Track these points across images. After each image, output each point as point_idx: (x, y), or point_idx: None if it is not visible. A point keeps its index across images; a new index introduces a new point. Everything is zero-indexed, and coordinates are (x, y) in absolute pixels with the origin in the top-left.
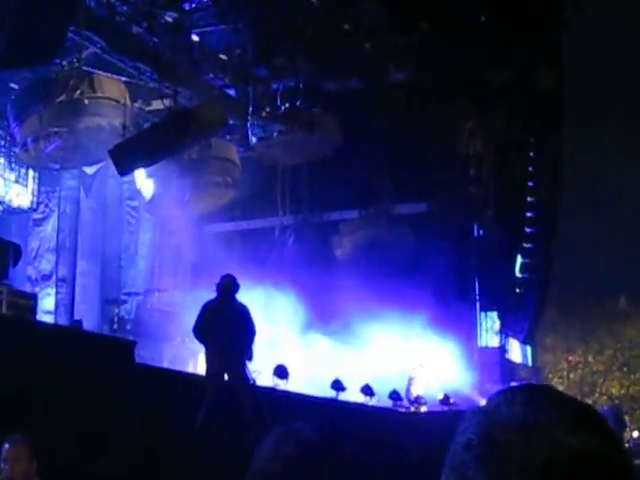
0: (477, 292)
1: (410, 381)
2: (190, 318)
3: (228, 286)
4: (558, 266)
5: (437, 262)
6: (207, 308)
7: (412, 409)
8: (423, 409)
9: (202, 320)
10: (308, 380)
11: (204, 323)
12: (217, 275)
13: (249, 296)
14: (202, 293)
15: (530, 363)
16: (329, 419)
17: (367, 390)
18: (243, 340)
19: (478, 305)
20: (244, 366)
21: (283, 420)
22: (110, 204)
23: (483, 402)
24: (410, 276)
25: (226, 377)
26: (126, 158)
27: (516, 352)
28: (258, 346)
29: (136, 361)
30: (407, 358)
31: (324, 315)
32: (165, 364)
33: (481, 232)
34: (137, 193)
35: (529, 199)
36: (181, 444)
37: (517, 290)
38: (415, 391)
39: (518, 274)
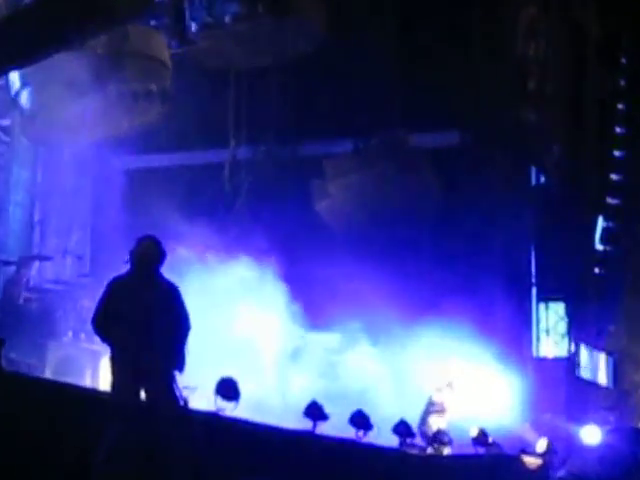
0: (534, 273)
1: (429, 408)
2: (90, 302)
3: (148, 255)
4: None
5: (474, 225)
6: (114, 288)
7: (429, 450)
8: (446, 450)
9: (106, 307)
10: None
11: (110, 311)
12: (132, 237)
13: (183, 272)
14: (109, 265)
15: (612, 385)
16: (297, 463)
17: (359, 420)
18: (170, 338)
19: (535, 292)
20: (171, 379)
21: (228, 464)
22: None
23: (541, 444)
24: (432, 246)
25: (142, 395)
26: None
27: (592, 366)
28: (195, 348)
29: (3, 368)
30: (426, 373)
31: (304, 307)
32: (48, 373)
33: (542, 179)
34: (9, 106)
35: (618, 130)
36: None
37: (596, 270)
38: (435, 423)
39: (598, 246)
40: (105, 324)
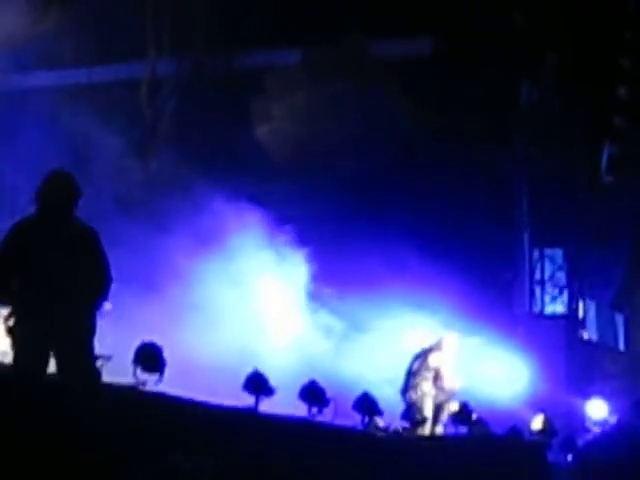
0: (526, 213)
1: (420, 371)
2: None
3: (60, 193)
4: None
5: (451, 155)
6: (18, 235)
7: (404, 430)
8: (423, 430)
9: (9, 258)
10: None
11: (13, 263)
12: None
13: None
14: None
15: (623, 347)
16: (233, 443)
17: (311, 393)
18: (89, 293)
19: (527, 238)
20: (90, 343)
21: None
22: None
23: (537, 421)
24: (398, 183)
25: (52, 368)
26: None
27: (599, 325)
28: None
29: None
30: (404, 337)
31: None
32: None
33: (535, 95)
34: None
35: (627, 34)
36: None
37: (602, 210)
38: (430, 394)
39: (605, 176)
40: (5, 278)
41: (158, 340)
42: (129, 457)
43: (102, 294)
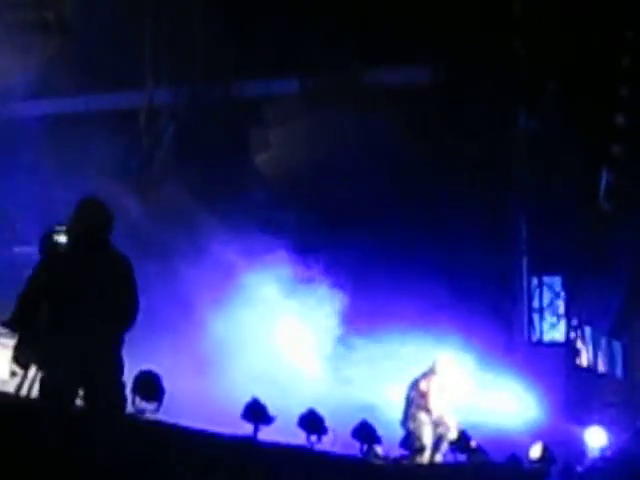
0: (525, 239)
1: (416, 400)
2: None
3: (96, 220)
4: None
5: (449, 180)
6: (54, 261)
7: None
8: (423, 458)
9: (39, 286)
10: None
11: (43, 291)
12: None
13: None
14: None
15: (622, 375)
16: (234, 473)
17: (311, 422)
18: (119, 326)
19: (525, 265)
20: (120, 373)
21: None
22: None
23: (535, 449)
24: (396, 207)
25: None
26: None
27: (597, 353)
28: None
29: None
30: (400, 360)
31: None
32: None
33: (534, 122)
34: None
35: (625, 62)
36: None
37: (600, 238)
38: (424, 421)
39: (603, 204)
40: (33, 308)
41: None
42: None
43: (130, 326)
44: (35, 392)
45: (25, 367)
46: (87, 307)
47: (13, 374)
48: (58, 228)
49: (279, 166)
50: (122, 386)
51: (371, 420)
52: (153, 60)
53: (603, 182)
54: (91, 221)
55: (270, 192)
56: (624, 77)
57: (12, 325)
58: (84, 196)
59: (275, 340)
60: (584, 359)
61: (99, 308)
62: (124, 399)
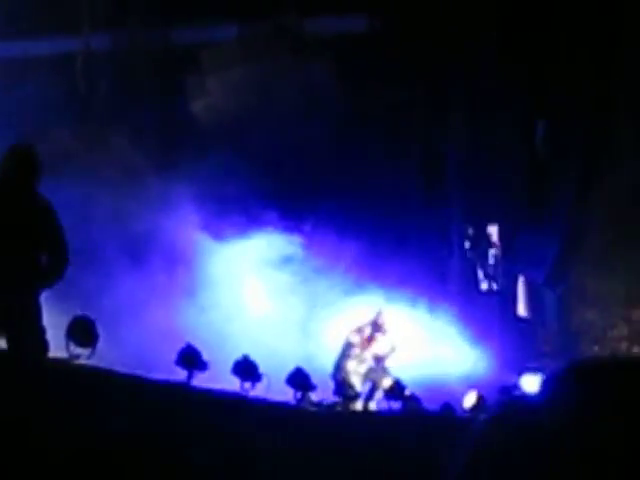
0: (460, 189)
1: (346, 351)
2: None
3: (23, 164)
4: (617, 148)
5: (383, 128)
6: None
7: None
8: (356, 406)
9: None
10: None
11: None
12: None
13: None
14: None
15: (556, 325)
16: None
17: (245, 368)
18: (41, 267)
19: (461, 213)
20: (39, 318)
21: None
22: None
23: (469, 398)
24: (335, 158)
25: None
26: None
27: (530, 303)
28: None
29: None
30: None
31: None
32: None
33: (469, 74)
34: None
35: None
36: None
37: (536, 188)
38: (354, 371)
39: (539, 153)
40: None
41: None
42: None
43: (59, 272)
44: None
45: None
46: (9, 244)
47: None
48: None
49: (214, 113)
50: (42, 331)
51: (307, 369)
52: (90, 5)
53: (539, 130)
54: (18, 163)
55: (205, 140)
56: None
57: None
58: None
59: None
60: (519, 308)
61: (17, 252)
62: (45, 343)
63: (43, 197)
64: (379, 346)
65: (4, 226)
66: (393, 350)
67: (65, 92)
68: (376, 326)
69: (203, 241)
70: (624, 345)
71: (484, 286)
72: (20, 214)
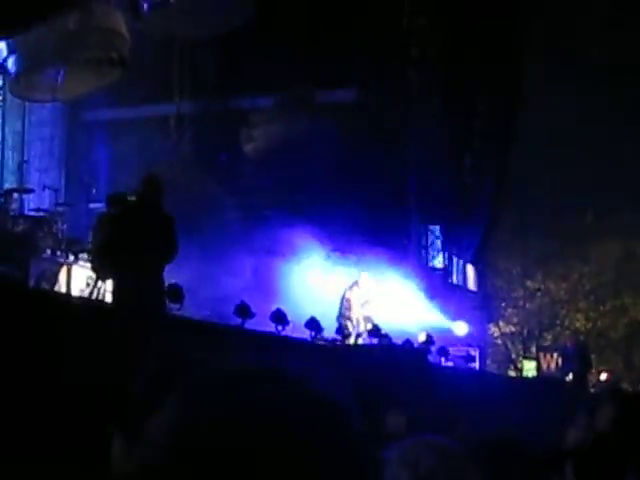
0: (415, 200)
1: (344, 304)
2: (63, 226)
3: (155, 187)
4: (516, 171)
5: (367, 162)
6: (122, 217)
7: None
8: (352, 341)
9: (109, 238)
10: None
11: (113, 239)
12: (94, 171)
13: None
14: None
15: (476, 289)
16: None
17: (278, 317)
18: (162, 259)
19: (416, 217)
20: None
21: None
22: None
23: (421, 336)
24: (335, 180)
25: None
26: None
27: (461, 275)
28: None
29: None
30: (339, 280)
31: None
32: (31, 283)
33: (421, 127)
34: (0, 70)
35: (483, 88)
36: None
37: (464, 198)
38: (354, 316)
39: (467, 179)
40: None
41: None
42: None
43: (169, 261)
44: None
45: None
46: (142, 247)
47: (87, 285)
48: (126, 193)
49: (258, 153)
50: (161, 294)
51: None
52: (179, 81)
53: (467, 160)
54: (153, 190)
55: (254, 171)
56: (484, 95)
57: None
58: (148, 172)
59: None
60: (454, 279)
61: (150, 248)
62: (163, 302)
63: (167, 212)
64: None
65: (145, 235)
66: (368, 302)
67: (161, 144)
68: (358, 286)
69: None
70: (520, 303)
71: (432, 264)
72: (154, 226)
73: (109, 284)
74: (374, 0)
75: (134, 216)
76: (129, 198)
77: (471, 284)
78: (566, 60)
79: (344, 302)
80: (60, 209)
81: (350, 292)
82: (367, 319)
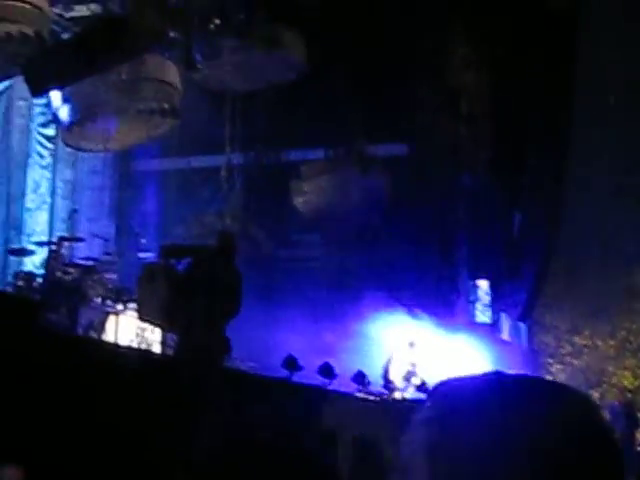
0: (464, 256)
1: (389, 363)
2: (112, 275)
3: (229, 244)
4: (566, 228)
5: (418, 217)
6: (195, 272)
7: (382, 396)
8: (395, 396)
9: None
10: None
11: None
12: (144, 221)
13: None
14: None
15: (525, 344)
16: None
17: (326, 371)
18: (228, 314)
19: (465, 272)
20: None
21: None
22: (17, 132)
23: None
24: (385, 234)
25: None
26: (41, 75)
27: (509, 331)
28: None
29: (44, 325)
30: (388, 338)
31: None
32: (80, 331)
33: (472, 182)
34: (53, 119)
35: (533, 144)
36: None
37: (514, 255)
38: (395, 374)
39: (516, 236)
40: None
41: None
42: None
43: (234, 316)
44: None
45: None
46: (214, 302)
47: (137, 335)
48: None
49: (309, 206)
50: (228, 347)
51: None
52: (231, 134)
53: (517, 218)
54: (225, 244)
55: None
56: (533, 152)
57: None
58: (224, 230)
59: None
60: (504, 335)
61: (219, 301)
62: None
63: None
64: (412, 358)
65: (217, 289)
66: (417, 360)
67: (212, 190)
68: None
69: None
70: (567, 359)
71: (480, 319)
72: (227, 281)
73: (157, 334)
74: (423, 55)
75: (208, 270)
76: (195, 250)
77: (520, 340)
78: None
79: (393, 359)
80: (110, 258)
81: (401, 350)
82: (414, 374)
